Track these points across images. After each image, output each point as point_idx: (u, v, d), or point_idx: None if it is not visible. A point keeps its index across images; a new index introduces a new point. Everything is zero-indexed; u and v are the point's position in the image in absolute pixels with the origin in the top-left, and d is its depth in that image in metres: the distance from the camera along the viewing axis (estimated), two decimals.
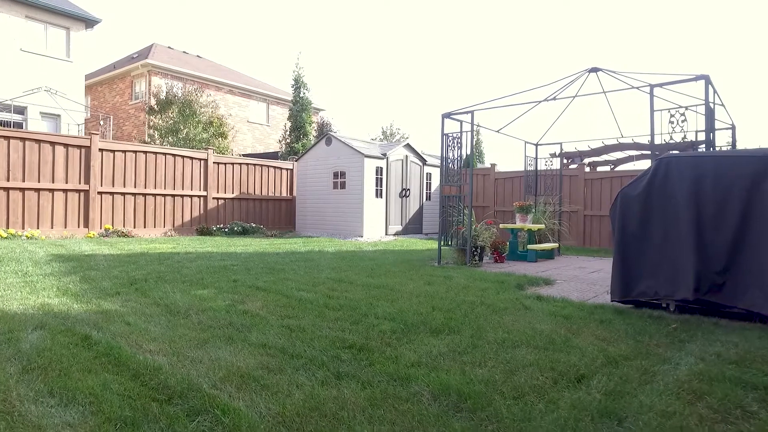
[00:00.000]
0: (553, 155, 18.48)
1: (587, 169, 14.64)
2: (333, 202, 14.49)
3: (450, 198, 8.70)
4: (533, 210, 9.85)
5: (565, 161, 17.93)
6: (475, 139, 7.63)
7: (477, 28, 73.32)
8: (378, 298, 4.75)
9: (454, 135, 8.43)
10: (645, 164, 16.68)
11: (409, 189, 15.20)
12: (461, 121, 8.51)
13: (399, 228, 14.94)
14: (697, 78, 5.90)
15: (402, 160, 15.11)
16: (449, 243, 8.51)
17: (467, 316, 4.04)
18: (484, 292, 5.33)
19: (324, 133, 23.38)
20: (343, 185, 14.24)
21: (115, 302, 4.26)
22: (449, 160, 8.53)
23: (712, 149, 5.92)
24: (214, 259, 7.48)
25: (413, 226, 15.52)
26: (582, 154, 17.45)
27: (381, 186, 14.27)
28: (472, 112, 7.95)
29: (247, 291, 4.92)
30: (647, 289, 4.67)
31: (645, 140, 15.18)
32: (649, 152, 16.69)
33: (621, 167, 16.20)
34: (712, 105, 6.16)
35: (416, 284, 5.69)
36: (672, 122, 5.88)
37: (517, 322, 3.92)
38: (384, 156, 14.38)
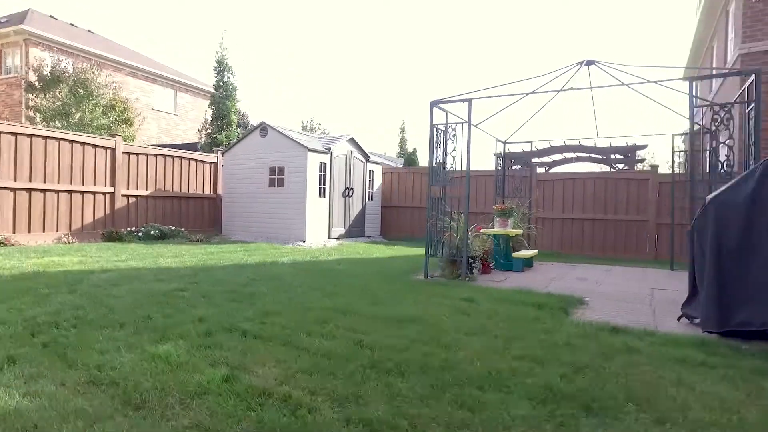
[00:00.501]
0: (498, 155, 18.01)
1: (540, 170, 14.28)
2: (268, 201, 12.61)
3: (437, 200, 7.43)
4: (514, 213, 8.95)
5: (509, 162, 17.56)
6: (451, 133, 6.61)
7: (400, 19, 73.18)
8: (424, 342, 3.36)
9: (442, 126, 7.18)
10: (585, 167, 16.77)
11: (352, 188, 13.76)
12: (447, 112, 7.30)
13: (342, 231, 13.45)
14: (746, 72, 5.23)
15: (345, 155, 13.64)
16: (436, 253, 7.27)
17: (586, 373, 2.80)
18: (537, 322, 4.15)
19: (242, 124, 21.04)
20: (281, 182, 12.43)
21: (13, 385, 2.41)
22: (437, 157, 7.26)
23: (756, 150, 5.27)
24: (147, 279, 5.51)
25: (356, 228, 14.11)
26: (526, 155, 17.22)
27: (324, 184, 12.68)
28: (469, 101, 6.75)
29: (231, 342, 3.25)
30: (752, 318, 3.78)
31: (620, 142, 15.19)
32: (586, 155, 16.85)
33: (560, 168, 16.15)
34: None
35: (444, 312, 4.37)
36: (716, 119, 5.15)
37: (663, 378, 2.76)
38: (328, 150, 12.80)
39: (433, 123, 7.09)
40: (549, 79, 7.70)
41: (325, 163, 12.65)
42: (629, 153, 15.32)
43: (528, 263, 8.63)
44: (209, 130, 16.81)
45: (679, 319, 4.55)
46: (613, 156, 15.79)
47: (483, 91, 7.05)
